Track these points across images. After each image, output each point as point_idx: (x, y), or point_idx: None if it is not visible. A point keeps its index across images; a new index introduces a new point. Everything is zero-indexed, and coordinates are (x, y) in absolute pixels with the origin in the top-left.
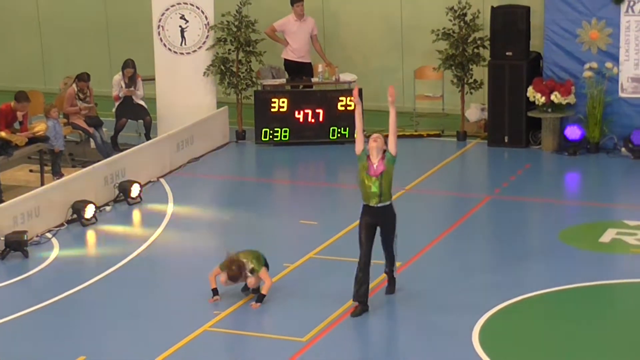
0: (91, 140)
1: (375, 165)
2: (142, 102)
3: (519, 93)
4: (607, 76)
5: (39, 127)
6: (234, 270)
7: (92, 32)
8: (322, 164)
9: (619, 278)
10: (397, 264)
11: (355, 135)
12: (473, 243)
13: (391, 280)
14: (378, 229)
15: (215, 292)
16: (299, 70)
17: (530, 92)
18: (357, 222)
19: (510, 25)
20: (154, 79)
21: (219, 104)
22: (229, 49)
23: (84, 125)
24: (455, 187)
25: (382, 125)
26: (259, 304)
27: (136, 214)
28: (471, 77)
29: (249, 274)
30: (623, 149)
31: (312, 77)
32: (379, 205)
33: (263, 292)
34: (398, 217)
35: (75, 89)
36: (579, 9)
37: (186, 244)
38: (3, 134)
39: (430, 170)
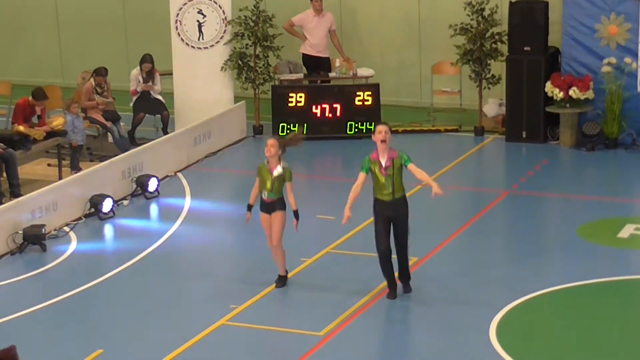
0: (109, 134)
1: (384, 163)
2: (159, 97)
3: (537, 88)
4: (625, 71)
5: (57, 121)
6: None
7: (110, 27)
8: (340, 159)
9: (637, 274)
10: (413, 259)
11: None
12: (490, 238)
13: (406, 281)
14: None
15: (249, 208)
16: (317, 65)
17: (549, 87)
18: (373, 218)
19: (529, 20)
20: (171, 74)
21: (237, 98)
22: (247, 44)
23: (102, 119)
24: (473, 183)
25: (399, 120)
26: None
27: (153, 208)
28: (489, 72)
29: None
30: None
31: (331, 71)
32: (392, 200)
33: (294, 208)
34: (416, 212)
35: (93, 84)
36: (598, 4)
37: (203, 238)
38: (21, 128)
39: (448, 166)
